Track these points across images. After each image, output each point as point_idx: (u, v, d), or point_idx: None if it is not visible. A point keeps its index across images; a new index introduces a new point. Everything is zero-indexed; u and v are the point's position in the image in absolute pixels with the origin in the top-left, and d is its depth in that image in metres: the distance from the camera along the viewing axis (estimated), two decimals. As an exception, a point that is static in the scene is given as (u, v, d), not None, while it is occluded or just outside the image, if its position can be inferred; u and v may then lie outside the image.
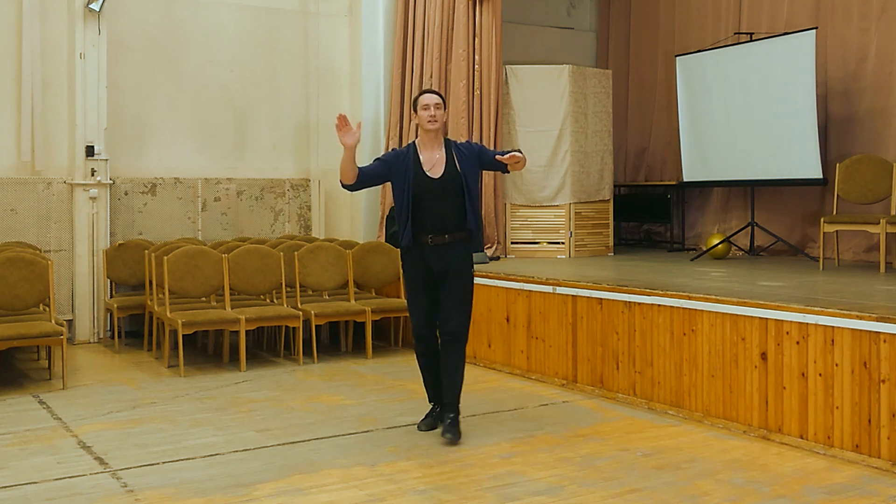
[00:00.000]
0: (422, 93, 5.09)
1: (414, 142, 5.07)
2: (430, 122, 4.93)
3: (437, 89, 8.52)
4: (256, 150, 9.19)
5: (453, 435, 4.81)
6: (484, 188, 8.63)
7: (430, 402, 5.19)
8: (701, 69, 9.18)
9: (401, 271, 5.21)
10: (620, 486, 4.12)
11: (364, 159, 9.08)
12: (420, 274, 4.97)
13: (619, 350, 5.88)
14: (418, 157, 4.97)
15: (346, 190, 5.05)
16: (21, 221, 7.93)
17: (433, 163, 4.96)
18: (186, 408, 5.67)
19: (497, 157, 4.90)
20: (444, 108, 5.06)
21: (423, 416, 5.16)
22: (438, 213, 4.92)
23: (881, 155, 7.87)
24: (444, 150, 5.00)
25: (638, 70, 11.04)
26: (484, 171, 8.65)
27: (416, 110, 5.03)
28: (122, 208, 8.42)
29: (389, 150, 8.77)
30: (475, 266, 5.28)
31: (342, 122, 4.75)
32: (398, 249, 7.98)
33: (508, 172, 5.15)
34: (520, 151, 4.83)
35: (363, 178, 4.94)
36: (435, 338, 5.08)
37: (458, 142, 5.15)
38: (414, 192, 4.90)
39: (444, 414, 4.97)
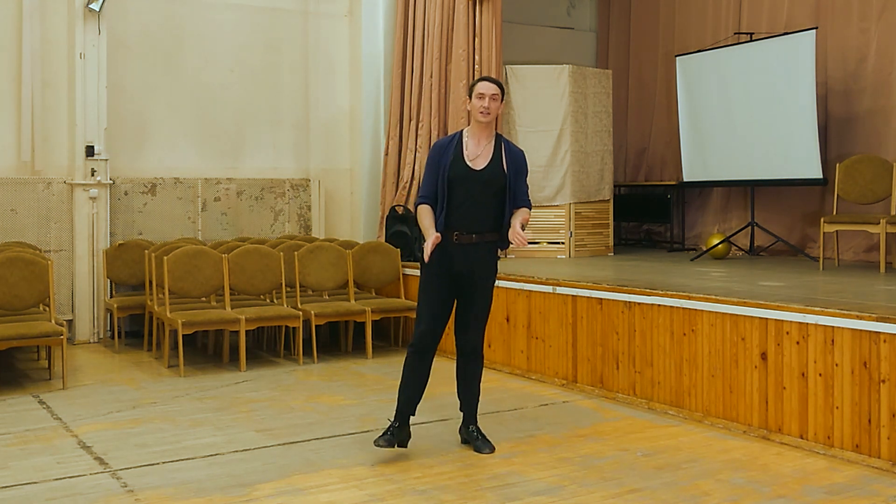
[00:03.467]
0: (480, 79, 4.66)
1: (463, 130, 4.70)
2: (482, 113, 4.54)
3: (438, 88, 8.51)
4: (256, 150, 9.19)
5: (490, 447, 4.67)
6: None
7: (396, 415, 4.61)
8: (701, 69, 9.18)
9: (418, 268, 4.74)
10: (620, 486, 4.12)
11: (365, 159, 9.16)
12: (440, 273, 4.58)
13: (619, 350, 5.88)
14: (462, 144, 4.60)
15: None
16: (21, 221, 7.92)
17: (478, 153, 4.58)
18: (186, 408, 5.67)
19: (509, 233, 4.55)
20: (502, 100, 4.63)
21: (383, 431, 4.59)
22: (470, 209, 4.54)
23: (881, 155, 7.88)
24: (493, 143, 4.63)
25: (638, 70, 11.04)
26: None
27: (470, 97, 4.61)
28: (122, 208, 8.42)
29: (388, 149, 8.80)
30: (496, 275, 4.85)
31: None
32: (398, 249, 8.09)
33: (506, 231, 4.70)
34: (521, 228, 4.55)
35: (438, 198, 4.56)
36: (437, 344, 4.63)
37: (513, 144, 4.77)
38: (449, 179, 4.52)
39: (466, 428, 4.78)
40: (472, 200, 4.54)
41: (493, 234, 4.62)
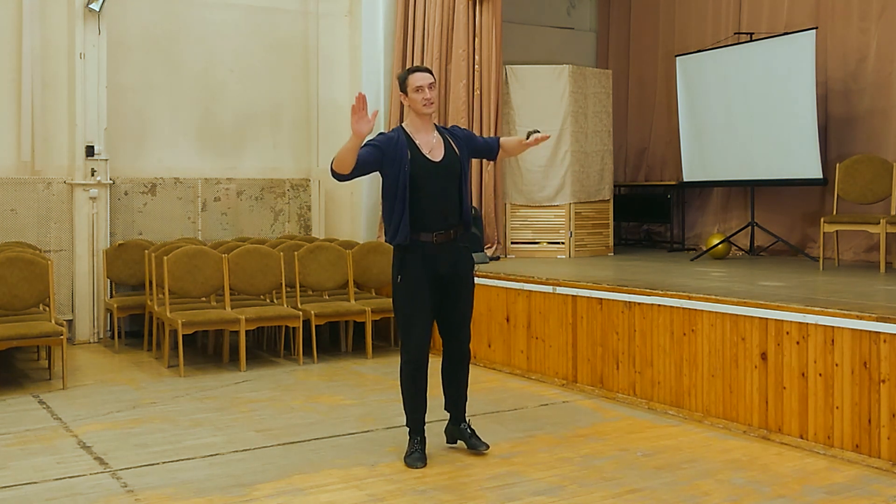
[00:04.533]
0: (411, 71, 4.48)
1: (401, 126, 4.53)
2: (425, 104, 4.39)
3: (438, 88, 8.50)
4: (256, 150, 9.19)
5: (485, 444, 4.60)
6: (484, 188, 8.63)
7: (416, 432, 4.52)
8: (701, 69, 9.18)
9: (392, 274, 4.54)
10: (620, 486, 4.12)
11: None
12: (424, 280, 4.41)
13: (619, 350, 5.88)
14: (413, 140, 4.41)
15: (336, 180, 4.46)
16: (21, 221, 7.92)
17: (431, 146, 4.43)
18: (186, 408, 5.67)
19: (524, 142, 4.49)
20: (436, 87, 4.53)
21: (412, 450, 4.47)
22: (439, 204, 4.40)
23: (881, 155, 7.87)
24: (437, 133, 4.51)
25: (638, 70, 11.04)
26: (481, 169, 8.67)
27: (405, 91, 4.44)
28: (122, 208, 8.42)
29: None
30: (475, 266, 4.79)
31: (360, 104, 4.10)
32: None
33: (495, 161, 4.79)
34: (538, 132, 4.46)
35: (358, 166, 4.31)
36: (428, 356, 4.50)
37: (445, 126, 4.62)
38: (412, 178, 4.33)
39: (457, 426, 4.69)
40: (440, 195, 4.41)
41: (461, 229, 4.51)
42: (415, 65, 8.66)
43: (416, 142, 4.43)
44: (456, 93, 8.53)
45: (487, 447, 4.62)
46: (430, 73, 4.50)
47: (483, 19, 8.55)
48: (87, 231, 8.08)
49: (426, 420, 4.58)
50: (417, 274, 4.42)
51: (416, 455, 4.45)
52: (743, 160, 8.71)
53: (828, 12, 8.64)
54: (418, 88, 4.40)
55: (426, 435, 4.57)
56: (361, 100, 4.10)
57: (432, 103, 4.42)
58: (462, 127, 4.71)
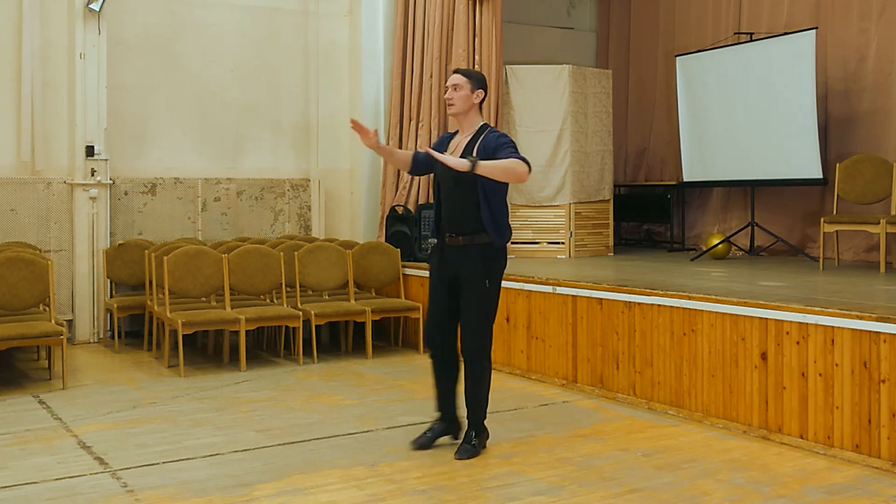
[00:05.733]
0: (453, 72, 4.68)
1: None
2: (447, 105, 4.55)
3: (438, 88, 8.47)
4: (256, 150, 9.18)
5: (461, 455, 4.52)
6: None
7: (436, 409, 4.79)
8: (701, 69, 9.18)
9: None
10: (620, 486, 4.12)
11: (365, 159, 9.15)
12: (439, 274, 4.63)
13: (619, 350, 5.88)
14: (450, 142, 4.61)
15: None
16: (21, 221, 7.92)
17: (453, 148, 4.52)
18: (186, 408, 5.67)
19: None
20: (473, 89, 4.47)
21: (423, 431, 4.74)
22: (452, 208, 4.49)
23: (881, 155, 7.88)
24: (472, 135, 4.49)
25: (638, 70, 11.04)
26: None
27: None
28: (122, 208, 8.42)
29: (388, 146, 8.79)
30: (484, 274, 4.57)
31: (355, 126, 4.50)
32: (398, 249, 8.09)
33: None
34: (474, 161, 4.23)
35: (417, 165, 4.68)
36: (447, 346, 4.65)
37: (497, 131, 4.52)
38: (436, 179, 4.56)
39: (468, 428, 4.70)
40: (449, 198, 4.51)
41: (482, 236, 4.45)
42: (415, 65, 8.74)
43: (450, 143, 4.61)
44: (456, 93, 8.51)
45: (461, 457, 4.51)
46: (461, 73, 4.56)
47: (483, 19, 8.54)
48: (87, 231, 8.08)
49: (443, 412, 4.76)
50: (434, 272, 4.69)
51: (420, 436, 4.70)
52: (743, 160, 8.71)
53: (828, 12, 8.64)
54: (446, 88, 4.56)
55: (440, 427, 4.73)
56: (354, 124, 4.52)
57: (452, 104, 4.52)
58: (500, 135, 4.50)
